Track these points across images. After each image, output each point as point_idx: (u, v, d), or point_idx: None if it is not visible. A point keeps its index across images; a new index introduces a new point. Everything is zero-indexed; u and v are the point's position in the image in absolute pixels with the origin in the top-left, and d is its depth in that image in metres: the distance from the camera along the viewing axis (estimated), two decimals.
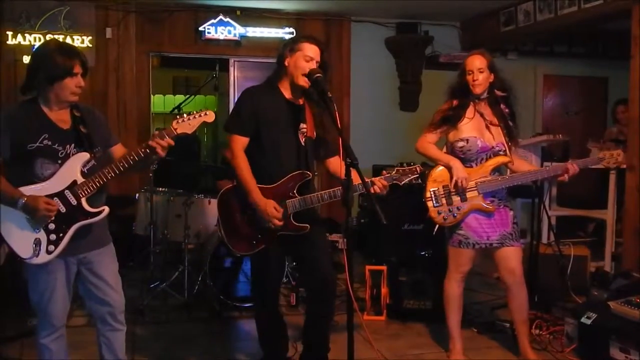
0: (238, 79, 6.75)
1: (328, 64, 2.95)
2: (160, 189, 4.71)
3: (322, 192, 2.86)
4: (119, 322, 2.72)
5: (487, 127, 3.25)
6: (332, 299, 3.09)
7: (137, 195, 4.74)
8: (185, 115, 2.51)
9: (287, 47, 2.92)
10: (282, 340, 3.21)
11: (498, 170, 3.29)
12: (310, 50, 2.85)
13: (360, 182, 2.63)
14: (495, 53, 6.73)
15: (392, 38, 6.92)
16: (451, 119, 3.27)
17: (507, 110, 3.30)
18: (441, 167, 3.28)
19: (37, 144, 2.44)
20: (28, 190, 2.42)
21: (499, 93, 3.29)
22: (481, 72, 3.21)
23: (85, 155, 2.52)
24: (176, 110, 4.87)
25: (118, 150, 2.69)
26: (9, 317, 3.60)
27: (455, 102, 3.30)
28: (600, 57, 7.65)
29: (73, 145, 2.52)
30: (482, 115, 3.26)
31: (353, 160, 2.36)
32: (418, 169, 2.90)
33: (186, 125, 2.49)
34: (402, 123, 6.84)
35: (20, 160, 2.45)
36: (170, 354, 3.61)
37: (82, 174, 2.50)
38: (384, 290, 4.25)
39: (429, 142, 3.33)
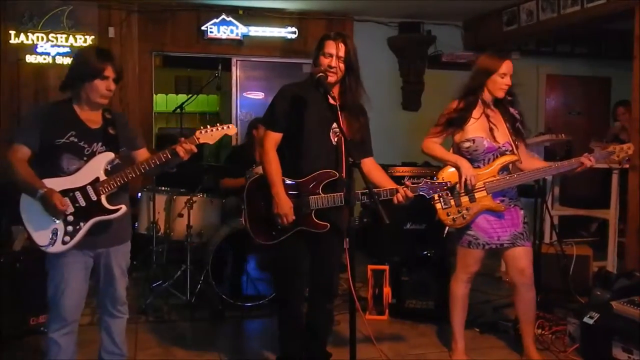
0: (240, 79, 6.76)
1: (355, 60, 2.94)
2: (163, 188, 4.72)
3: (341, 193, 2.84)
4: (120, 311, 2.84)
5: (493, 128, 3.21)
6: (330, 305, 3.12)
7: (139, 194, 4.74)
8: (209, 127, 2.68)
9: (316, 46, 2.95)
10: (301, 340, 3.14)
11: (506, 169, 3.26)
12: (329, 47, 2.86)
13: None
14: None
15: (394, 37, 6.92)
16: (458, 121, 3.22)
17: (516, 111, 3.29)
18: (450, 169, 3.22)
19: (64, 139, 2.57)
20: (53, 182, 2.53)
21: (508, 97, 3.30)
22: (510, 78, 3.20)
23: (110, 155, 2.63)
24: (178, 109, 4.86)
25: (142, 154, 2.81)
26: (9, 317, 3.59)
27: (462, 104, 3.25)
28: (603, 57, 7.64)
29: (100, 144, 2.63)
30: (488, 117, 3.23)
31: (355, 160, 2.38)
32: (449, 183, 2.84)
33: (208, 136, 2.67)
34: (404, 123, 6.83)
35: (48, 154, 2.56)
36: (172, 353, 3.61)
37: (106, 172, 2.61)
38: (386, 289, 4.24)
39: (434, 143, 3.29)
